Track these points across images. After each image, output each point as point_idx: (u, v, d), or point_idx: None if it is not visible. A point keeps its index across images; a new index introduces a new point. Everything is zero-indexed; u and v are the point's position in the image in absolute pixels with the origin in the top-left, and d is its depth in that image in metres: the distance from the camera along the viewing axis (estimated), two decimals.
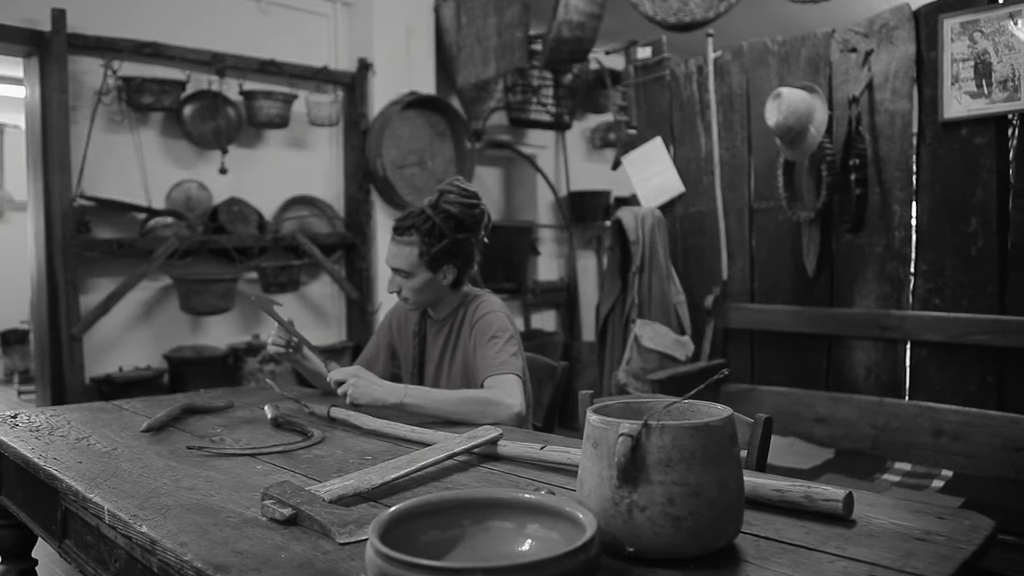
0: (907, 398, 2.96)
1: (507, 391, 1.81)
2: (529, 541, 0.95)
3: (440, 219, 1.95)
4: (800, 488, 1.19)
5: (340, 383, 1.82)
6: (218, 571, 0.99)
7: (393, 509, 0.93)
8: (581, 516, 0.90)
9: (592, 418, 1.04)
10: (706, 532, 0.99)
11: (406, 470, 1.32)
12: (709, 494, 0.98)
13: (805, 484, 1.20)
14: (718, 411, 1.08)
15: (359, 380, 1.81)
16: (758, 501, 1.21)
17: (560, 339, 5.43)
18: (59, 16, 3.39)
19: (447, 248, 1.95)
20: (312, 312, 4.43)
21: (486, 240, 2.07)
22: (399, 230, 1.98)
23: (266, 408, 1.87)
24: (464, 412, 1.76)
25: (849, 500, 1.15)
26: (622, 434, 0.98)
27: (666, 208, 3.61)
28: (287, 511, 1.15)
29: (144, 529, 1.13)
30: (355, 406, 1.82)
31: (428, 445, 1.56)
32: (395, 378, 2.09)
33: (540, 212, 5.78)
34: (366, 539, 1.08)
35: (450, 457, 1.43)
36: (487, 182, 5.79)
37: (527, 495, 0.97)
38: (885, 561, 1.00)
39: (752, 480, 1.21)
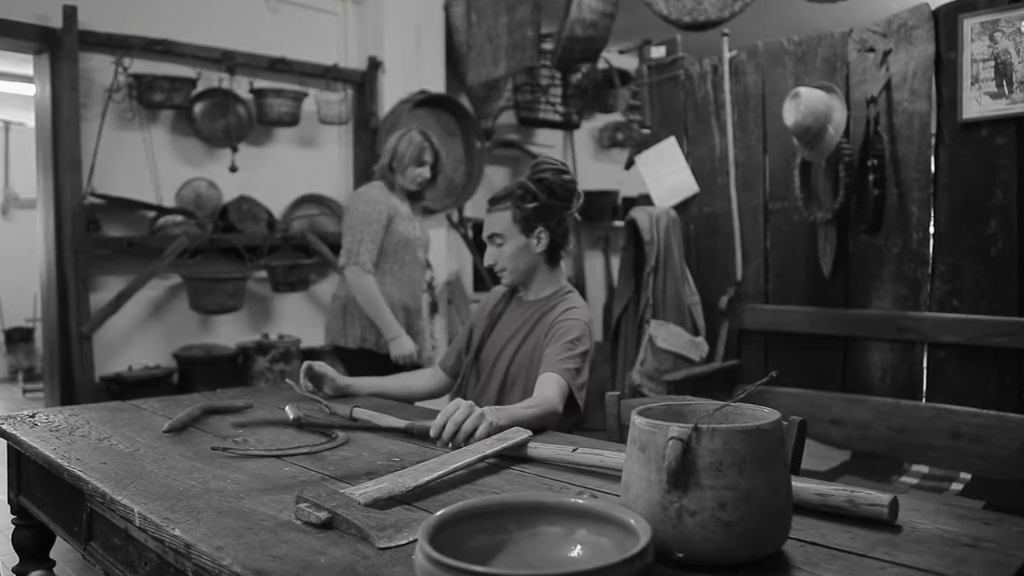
0: (924, 400, 2.94)
1: (562, 396, 1.80)
2: (578, 547, 0.93)
3: (534, 185, 1.98)
4: (843, 492, 1.17)
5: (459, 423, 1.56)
6: None
7: (439, 513, 0.91)
8: (633, 522, 0.88)
9: (638, 421, 1.02)
10: (757, 537, 0.97)
11: (439, 472, 1.30)
12: (760, 499, 0.96)
13: (847, 488, 1.18)
14: (765, 414, 1.06)
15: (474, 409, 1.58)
16: (799, 505, 1.19)
17: None
18: (70, 13, 3.38)
19: (539, 210, 1.97)
20: (321, 312, 4.41)
21: (578, 217, 2.07)
22: (493, 201, 2.03)
23: (287, 408, 1.85)
24: (537, 423, 1.69)
25: (894, 505, 1.13)
26: (672, 438, 0.96)
27: (680, 208, 3.59)
28: (323, 515, 1.13)
29: (177, 532, 1.11)
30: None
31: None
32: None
33: None
34: (405, 543, 1.07)
35: (481, 459, 1.41)
36: (495, 181, 5.76)
37: (575, 499, 0.96)
38: (937, 568, 0.98)
39: (793, 484, 1.19)
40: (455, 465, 1.34)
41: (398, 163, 2.97)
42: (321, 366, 2.10)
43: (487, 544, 0.93)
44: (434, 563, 0.80)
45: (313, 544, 1.07)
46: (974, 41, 2.75)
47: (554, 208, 1.98)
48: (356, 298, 2.93)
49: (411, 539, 1.07)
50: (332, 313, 3.08)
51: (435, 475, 1.29)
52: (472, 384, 2.14)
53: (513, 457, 1.50)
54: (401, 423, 1.71)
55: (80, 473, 1.41)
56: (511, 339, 2.06)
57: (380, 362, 2.90)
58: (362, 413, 1.82)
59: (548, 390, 1.79)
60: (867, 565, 1.00)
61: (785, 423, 1.52)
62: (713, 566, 0.98)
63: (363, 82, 4.36)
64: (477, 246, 5.03)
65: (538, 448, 1.48)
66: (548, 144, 5.68)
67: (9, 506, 1.87)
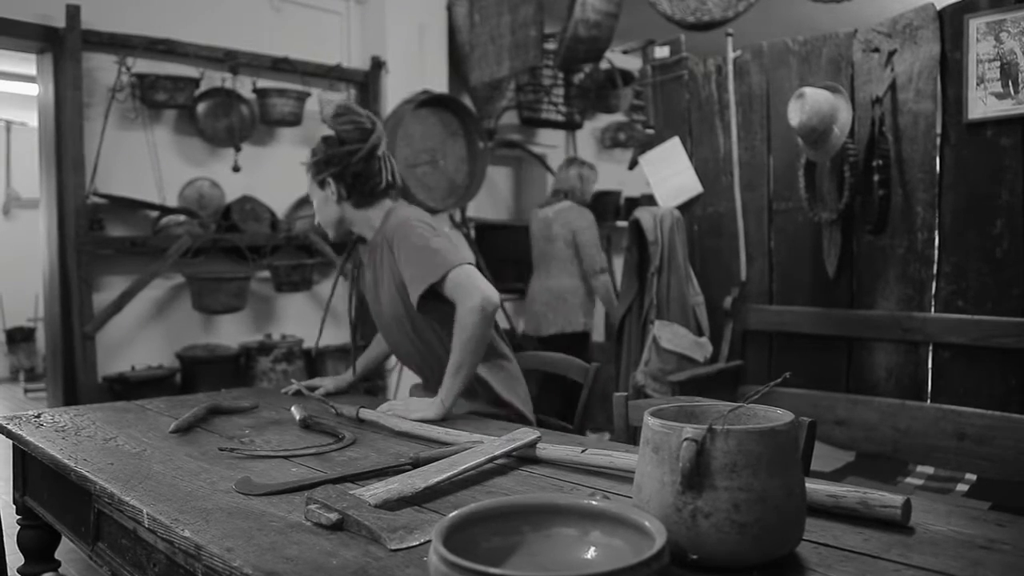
0: (929, 401, 2.93)
1: (468, 287, 1.83)
2: (593, 548, 0.93)
3: (323, 142, 2.06)
4: (855, 494, 1.17)
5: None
6: None
7: (453, 515, 0.90)
8: (648, 524, 0.88)
9: (652, 422, 1.01)
10: (771, 539, 0.96)
11: (448, 474, 1.30)
12: (775, 500, 0.96)
13: (859, 490, 1.18)
14: (778, 415, 1.05)
15: (395, 406, 1.89)
16: (810, 506, 1.18)
17: None
18: (73, 12, 3.37)
19: (322, 163, 2.03)
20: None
21: (384, 156, 2.06)
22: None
23: (293, 409, 1.85)
24: (475, 350, 1.81)
25: (907, 507, 1.13)
26: (686, 439, 0.95)
27: (684, 208, 3.58)
28: (333, 516, 1.12)
29: (187, 534, 1.11)
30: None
31: (460, 446, 1.53)
32: None
33: None
34: (417, 544, 1.06)
35: (490, 460, 1.40)
36: (498, 182, 5.76)
37: (589, 501, 0.95)
38: (953, 570, 0.98)
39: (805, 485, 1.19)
40: (465, 466, 1.34)
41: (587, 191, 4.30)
42: (317, 385, 2.21)
43: (501, 546, 0.93)
44: (449, 565, 0.80)
45: (324, 546, 1.06)
46: (979, 41, 2.74)
47: (338, 155, 2.02)
48: (603, 295, 3.95)
49: (423, 540, 1.06)
50: (570, 306, 3.99)
51: (445, 476, 1.29)
52: (400, 346, 2.14)
53: (522, 458, 1.50)
54: (406, 425, 1.71)
55: (87, 474, 1.40)
56: (376, 285, 2.09)
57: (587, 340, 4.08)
58: (368, 414, 1.81)
59: (459, 308, 1.83)
60: (882, 567, 0.99)
61: None
62: (727, 568, 0.97)
63: (366, 82, 4.36)
64: (479, 245, 5.02)
65: (547, 449, 1.47)
66: (551, 144, 5.68)
67: (15, 506, 1.86)
